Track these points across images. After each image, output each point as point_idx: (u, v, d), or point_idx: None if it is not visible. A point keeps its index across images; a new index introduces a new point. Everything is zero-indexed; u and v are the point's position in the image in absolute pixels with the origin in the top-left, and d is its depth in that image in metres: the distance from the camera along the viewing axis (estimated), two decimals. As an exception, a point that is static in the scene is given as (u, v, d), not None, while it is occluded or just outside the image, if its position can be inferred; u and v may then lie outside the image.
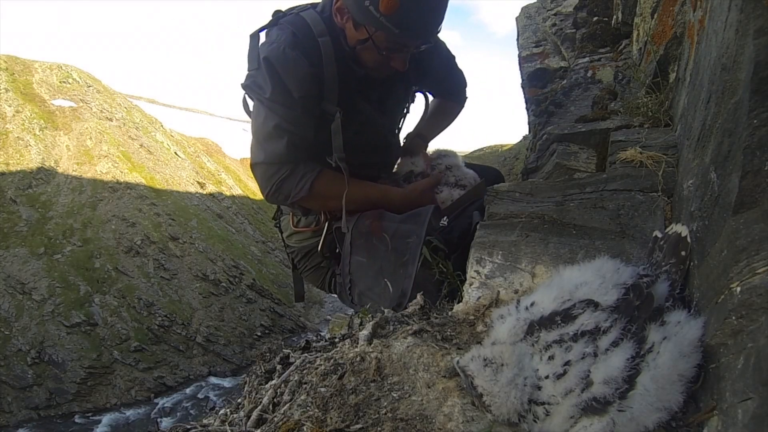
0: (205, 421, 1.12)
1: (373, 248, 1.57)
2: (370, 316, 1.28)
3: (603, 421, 0.75)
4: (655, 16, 2.08)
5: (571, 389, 0.78)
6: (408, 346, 1.00)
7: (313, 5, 1.59)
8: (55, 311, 12.14)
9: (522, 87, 3.72)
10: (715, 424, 0.72)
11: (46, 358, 11.55)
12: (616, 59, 2.82)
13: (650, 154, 1.41)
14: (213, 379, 12.63)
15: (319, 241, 1.76)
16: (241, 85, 1.56)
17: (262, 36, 1.54)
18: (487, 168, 2.09)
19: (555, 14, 3.92)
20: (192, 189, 16.79)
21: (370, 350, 1.01)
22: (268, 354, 1.26)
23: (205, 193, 17.23)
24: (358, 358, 1.00)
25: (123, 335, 12.36)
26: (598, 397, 0.76)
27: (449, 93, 2.04)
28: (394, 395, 0.91)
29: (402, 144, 1.95)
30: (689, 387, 0.77)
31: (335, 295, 1.88)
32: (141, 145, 16.88)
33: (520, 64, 3.77)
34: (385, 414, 0.87)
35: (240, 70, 1.59)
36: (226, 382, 12.37)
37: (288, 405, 0.96)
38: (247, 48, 1.52)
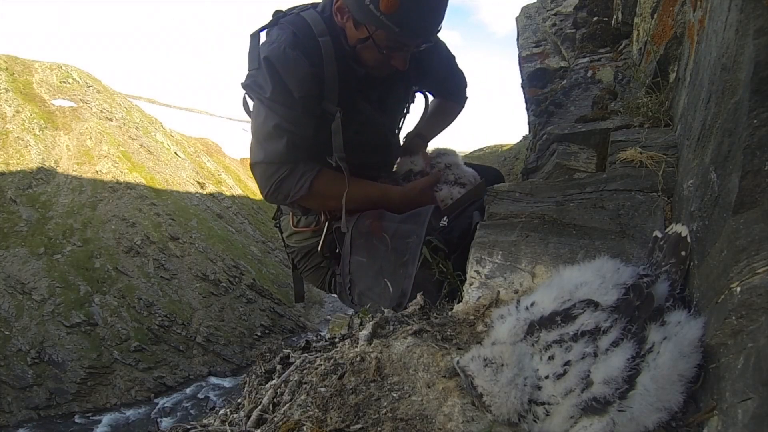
0: (205, 421, 1.12)
1: (373, 248, 1.57)
2: (370, 316, 1.28)
3: (603, 421, 0.75)
4: (655, 16, 2.08)
5: (571, 389, 0.78)
6: (408, 346, 1.00)
7: (314, 5, 1.59)
8: (55, 311, 12.14)
9: (522, 87, 3.72)
10: (715, 424, 0.72)
11: (46, 358, 11.55)
12: (616, 59, 2.82)
13: (650, 154, 1.41)
14: (213, 379, 12.63)
15: (319, 241, 1.76)
16: (242, 84, 1.56)
17: (263, 36, 1.54)
18: (487, 168, 2.09)
19: (555, 14, 3.92)
20: (192, 189, 16.79)
21: (370, 350, 1.01)
22: (268, 354, 1.26)
23: (205, 193, 17.23)
24: (358, 358, 1.00)
25: (123, 335, 12.36)
26: (598, 397, 0.76)
27: (449, 93, 2.04)
28: (394, 395, 0.91)
29: (402, 143, 1.95)
30: (689, 387, 0.77)
31: (335, 295, 1.88)
32: (141, 145, 16.88)
33: (520, 64, 3.77)
34: (385, 414, 0.87)
35: (240, 70, 1.59)
36: (226, 382, 12.37)
37: (288, 405, 0.96)
38: (248, 48, 1.52)
